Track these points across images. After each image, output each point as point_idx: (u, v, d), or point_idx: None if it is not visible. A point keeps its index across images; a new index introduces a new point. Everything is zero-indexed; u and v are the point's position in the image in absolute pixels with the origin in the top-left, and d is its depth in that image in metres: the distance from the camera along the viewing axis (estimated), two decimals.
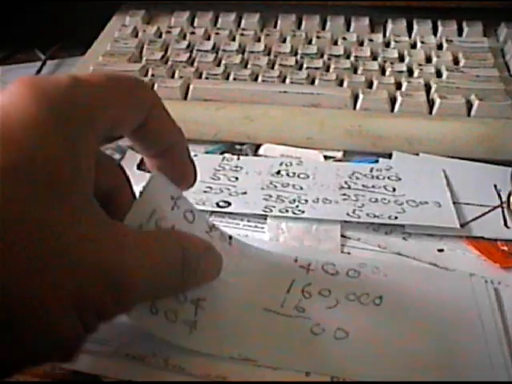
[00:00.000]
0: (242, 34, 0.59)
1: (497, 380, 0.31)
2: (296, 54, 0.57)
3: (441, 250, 0.40)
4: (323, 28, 0.61)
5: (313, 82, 0.53)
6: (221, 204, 0.43)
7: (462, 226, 0.41)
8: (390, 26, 0.60)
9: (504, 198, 0.44)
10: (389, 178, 0.46)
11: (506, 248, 0.40)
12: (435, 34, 0.59)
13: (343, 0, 0.61)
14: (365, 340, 0.33)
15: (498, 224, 0.42)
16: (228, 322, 0.33)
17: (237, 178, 0.46)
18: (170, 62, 0.56)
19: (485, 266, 0.39)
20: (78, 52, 0.66)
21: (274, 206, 0.43)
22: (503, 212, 0.43)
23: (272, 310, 0.35)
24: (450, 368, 0.32)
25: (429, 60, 0.56)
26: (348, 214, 0.42)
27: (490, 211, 0.43)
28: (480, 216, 0.43)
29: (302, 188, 0.45)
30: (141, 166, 0.48)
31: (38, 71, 0.65)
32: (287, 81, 0.53)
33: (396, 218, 0.41)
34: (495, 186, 0.45)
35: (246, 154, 0.50)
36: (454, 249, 0.40)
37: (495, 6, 0.59)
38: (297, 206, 0.43)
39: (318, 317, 0.34)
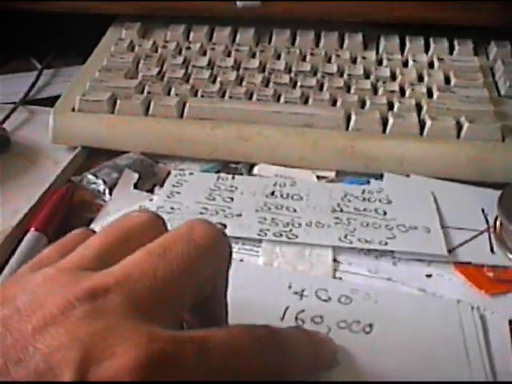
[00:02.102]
0: (237, 50, 0.60)
1: None
2: (290, 72, 0.58)
3: (429, 276, 0.42)
4: (317, 44, 0.62)
5: (306, 101, 0.54)
6: None
7: (449, 251, 0.43)
8: (382, 42, 0.61)
9: (491, 222, 0.45)
10: (380, 200, 0.47)
11: (491, 274, 0.42)
12: (427, 51, 0.60)
13: (337, 16, 0.62)
14: (355, 368, 0.35)
15: (485, 249, 0.44)
16: None
17: (232, 199, 0.47)
18: (166, 79, 0.57)
19: (471, 291, 0.40)
20: (73, 61, 0.67)
21: (269, 230, 0.44)
22: (489, 237, 0.44)
23: None
24: None
25: (420, 79, 0.57)
26: (340, 239, 0.43)
27: (476, 236, 0.44)
28: (467, 241, 0.44)
29: (295, 210, 0.46)
30: (137, 186, 0.49)
31: (36, 81, 0.66)
32: (281, 100, 0.54)
33: (386, 243, 0.43)
34: (483, 210, 0.47)
35: (241, 173, 0.51)
36: (442, 274, 0.42)
37: (485, 25, 0.60)
38: (290, 230, 0.44)
39: None
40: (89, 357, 0.21)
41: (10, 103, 0.61)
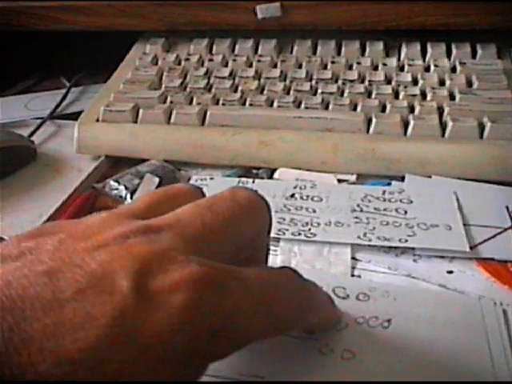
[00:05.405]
0: (258, 61, 0.61)
1: None
2: (311, 80, 0.58)
3: (450, 272, 0.41)
4: (338, 53, 0.62)
5: (327, 107, 0.54)
6: None
7: (471, 248, 0.42)
8: (404, 49, 0.61)
9: None
10: (401, 200, 0.47)
11: None
12: (449, 56, 0.60)
13: (358, 25, 0.62)
14: (371, 361, 0.34)
15: (509, 245, 0.42)
16: None
17: None
18: (188, 89, 0.58)
19: (494, 287, 0.39)
20: (102, 79, 0.69)
21: (287, 229, 0.44)
22: None
23: None
24: None
25: (442, 83, 0.56)
26: (359, 237, 0.43)
27: (501, 233, 0.43)
28: (491, 238, 0.43)
29: (315, 211, 0.46)
30: None
31: (63, 98, 0.67)
32: (302, 106, 0.54)
33: (406, 240, 0.42)
34: (507, 208, 0.46)
35: (262, 178, 0.51)
36: (464, 270, 0.41)
37: (509, 28, 0.59)
38: (309, 229, 0.44)
39: (327, 338, 0.35)
40: (144, 269, 0.22)
41: (39, 118, 0.63)
